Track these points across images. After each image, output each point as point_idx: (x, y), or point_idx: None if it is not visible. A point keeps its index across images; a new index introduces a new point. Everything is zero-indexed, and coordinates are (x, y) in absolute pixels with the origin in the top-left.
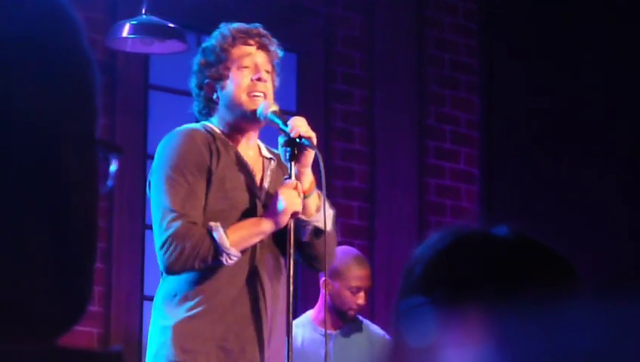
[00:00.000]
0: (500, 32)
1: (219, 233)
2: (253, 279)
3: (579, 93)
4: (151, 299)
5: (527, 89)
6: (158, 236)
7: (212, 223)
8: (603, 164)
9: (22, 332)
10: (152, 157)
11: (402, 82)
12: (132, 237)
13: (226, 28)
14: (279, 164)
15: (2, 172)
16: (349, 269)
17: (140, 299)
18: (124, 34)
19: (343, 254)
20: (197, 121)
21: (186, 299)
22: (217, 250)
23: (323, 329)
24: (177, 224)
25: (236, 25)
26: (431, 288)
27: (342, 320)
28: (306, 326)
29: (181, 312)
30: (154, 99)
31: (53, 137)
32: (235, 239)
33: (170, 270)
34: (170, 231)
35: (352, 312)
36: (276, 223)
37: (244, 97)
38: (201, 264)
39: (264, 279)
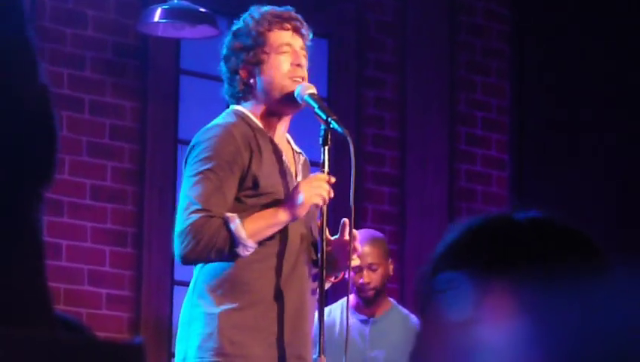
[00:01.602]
0: (531, 18)
1: (235, 224)
2: (295, 272)
3: (610, 78)
4: (181, 283)
5: (557, 75)
6: (177, 226)
7: (229, 214)
8: (635, 149)
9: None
10: (183, 142)
11: (434, 68)
12: (163, 222)
13: (258, 11)
14: (305, 161)
15: None
16: None
17: (170, 283)
18: (156, 19)
19: None
20: (227, 106)
21: (230, 290)
22: (234, 241)
23: (361, 315)
24: (196, 216)
25: (268, 8)
26: (465, 264)
27: (364, 303)
28: (344, 311)
29: (226, 303)
30: (185, 84)
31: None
32: (253, 230)
33: (186, 260)
34: (189, 221)
35: (362, 294)
36: (293, 215)
37: (286, 82)
38: (217, 255)
39: (304, 271)
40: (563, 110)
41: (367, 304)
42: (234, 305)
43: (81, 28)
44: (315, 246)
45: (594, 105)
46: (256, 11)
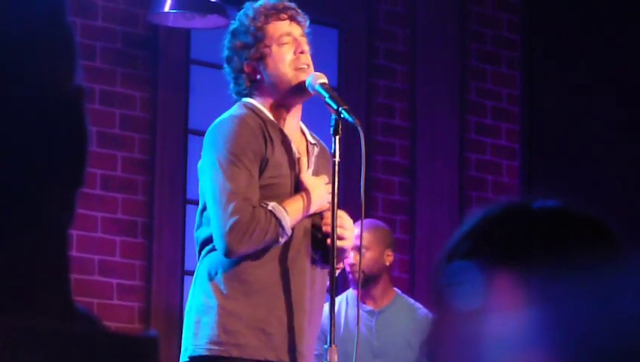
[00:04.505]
0: (541, 8)
1: (282, 215)
2: (295, 261)
3: (620, 67)
4: (192, 273)
5: (568, 64)
6: (222, 220)
7: (271, 204)
8: None
9: None
10: (193, 132)
11: (444, 57)
12: (173, 212)
13: (252, 8)
14: (322, 151)
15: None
16: None
17: (180, 273)
18: (166, 8)
19: None
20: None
21: (230, 279)
22: (282, 230)
23: (367, 306)
24: (243, 209)
25: (261, 2)
26: (477, 253)
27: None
28: (349, 303)
29: (223, 292)
30: (195, 73)
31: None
32: (293, 219)
33: (235, 253)
34: (238, 216)
35: (351, 276)
36: (319, 207)
37: (291, 72)
38: (265, 245)
39: (305, 261)
40: (573, 99)
41: (363, 288)
42: (230, 294)
43: (91, 18)
44: (314, 238)
45: (605, 94)
46: (250, 8)
